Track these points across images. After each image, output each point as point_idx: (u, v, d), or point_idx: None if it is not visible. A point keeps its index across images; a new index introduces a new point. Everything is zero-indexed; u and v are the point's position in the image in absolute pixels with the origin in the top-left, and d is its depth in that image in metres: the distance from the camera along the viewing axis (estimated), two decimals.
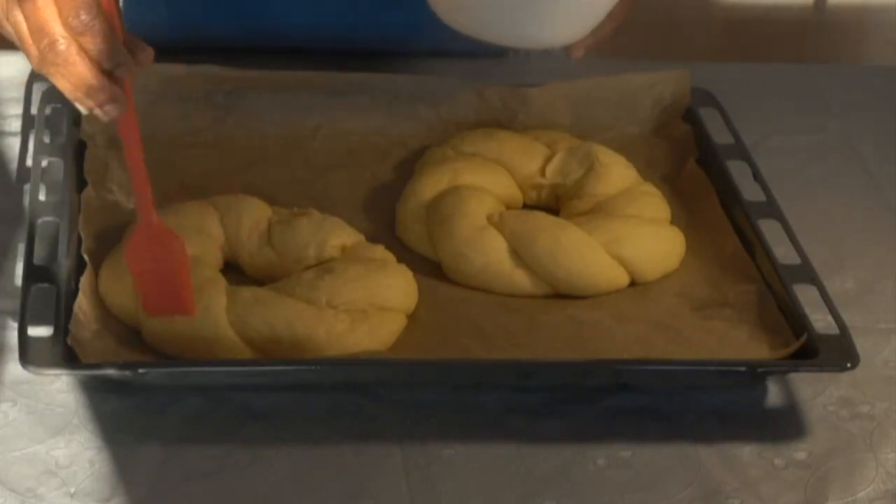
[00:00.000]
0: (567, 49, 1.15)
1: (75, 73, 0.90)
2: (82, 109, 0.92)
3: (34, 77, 1.29)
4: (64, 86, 0.91)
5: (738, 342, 1.03)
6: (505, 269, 1.08)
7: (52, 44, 0.89)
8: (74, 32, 0.89)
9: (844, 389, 1.03)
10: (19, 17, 0.91)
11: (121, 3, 1.29)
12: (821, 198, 1.24)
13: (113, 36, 0.90)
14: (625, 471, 0.95)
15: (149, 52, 0.93)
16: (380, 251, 1.07)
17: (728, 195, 1.16)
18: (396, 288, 1.03)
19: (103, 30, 0.89)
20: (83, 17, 0.89)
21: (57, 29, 0.89)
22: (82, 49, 0.89)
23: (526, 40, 1.10)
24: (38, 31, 0.90)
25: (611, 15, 1.11)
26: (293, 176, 1.19)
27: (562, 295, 1.09)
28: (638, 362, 1.00)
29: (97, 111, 0.92)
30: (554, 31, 1.09)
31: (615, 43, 1.19)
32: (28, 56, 0.92)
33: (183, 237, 1.00)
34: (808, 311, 1.03)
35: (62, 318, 0.96)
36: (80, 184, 1.12)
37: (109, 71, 0.90)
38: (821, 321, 1.02)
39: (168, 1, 1.34)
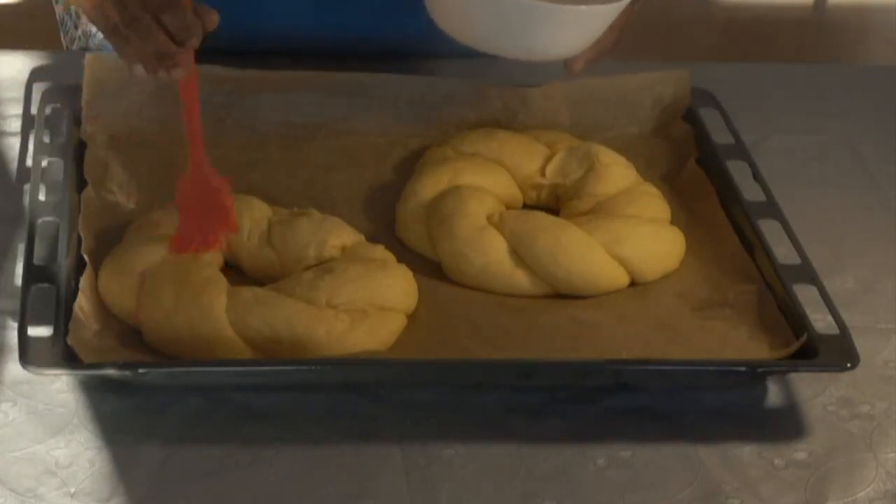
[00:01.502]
0: (567, 62, 1.15)
1: (152, 45, 0.98)
2: (140, 74, 1.01)
3: (34, 77, 1.29)
4: (133, 53, 1.00)
5: (738, 342, 1.03)
6: (505, 269, 1.08)
7: (134, 19, 0.98)
8: (155, 7, 0.97)
9: (844, 389, 1.03)
10: None
11: None
12: (821, 198, 1.24)
13: (185, 9, 0.98)
14: (625, 471, 0.95)
15: (214, 17, 1.00)
16: (380, 251, 1.07)
17: (728, 195, 1.16)
18: (396, 288, 1.03)
19: (180, 5, 0.97)
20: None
21: (138, 2, 0.98)
22: (160, 22, 0.97)
23: (525, 53, 1.10)
24: (120, 3, 0.99)
25: (610, 28, 1.12)
26: (293, 176, 1.19)
27: (562, 295, 1.09)
28: (638, 362, 1.00)
29: (162, 74, 1.00)
30: (554, 44, 1.09)
31: (614, 53, 1.19)
32: (101, 25, 1.02)
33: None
34: (808, 311, 1.03)
35: (62, 318, 0.96)
36: (80, 184, 1.12)
37: (180, 42, 0.98)
38: (821, 321, 1.02)
39: None
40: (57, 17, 1.41)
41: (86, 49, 1.36)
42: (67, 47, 1.40)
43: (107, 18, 1.00)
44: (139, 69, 1.01)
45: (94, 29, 1.35)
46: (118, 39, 1.01)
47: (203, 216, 1.05)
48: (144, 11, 0.97)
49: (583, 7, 1.07)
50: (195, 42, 0.99)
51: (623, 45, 1.18)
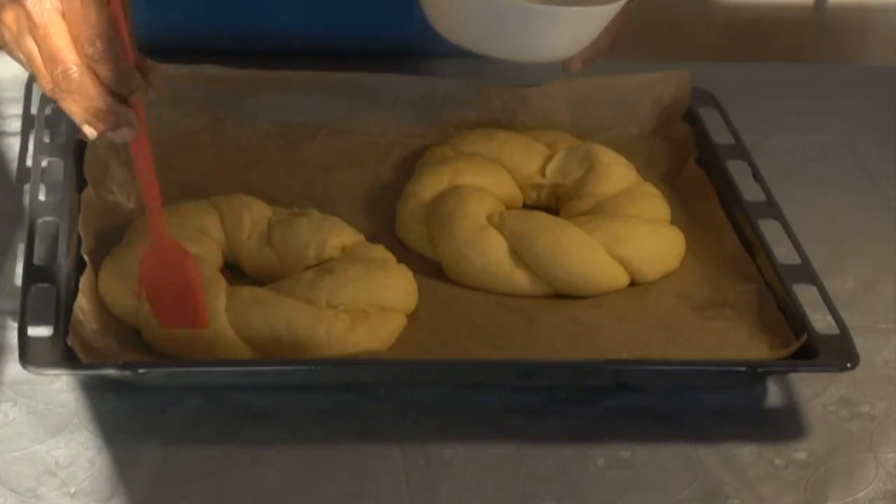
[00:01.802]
0: (564, 63, 1.15)
1: (89, 100, 0.91)
2: (90, 134, 0.93)
3: (34, 78, 1.29)
4: (75, 111, 0.92)
5: (738, 342, 1.03)
6: (505, 269, 1.08)
7: (66, 72, 0.90)
8: (90, 60, 0.89)
9: (844, 389, 1.03)
10: (31, 45, 0.91)
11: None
12: (821, 198, 1.24)
13: (126, 62, 0.90)
14: (625, 471, 0.95)
15: (159, 72, 0.93)
16: (380, 251, 1.07)
17: (728, 195, 1.16)
18: (396, 288, 1.03)
19: (118, 57, 0.90)
20: (98, 45, 0.89)
21: (70, 57, 0.90)
22: (97, 76, 0.90)
23: (522, 54, 1.10)
24: (51, 59, 0.90)
25: (607, 29, 1.12)
26: (293, 176, 1.19)
27: (562, 295, 1.09)
28: (638, 362, 1.00)
29: (109, 135, 0.92)
30: (550, 46, 1.09)
31: (612, 53, 1.19)
32: (40, 82, 0.93)
33: (188, 246, 1.00)
34: (808, 311, 1.03)
35: (62, 318, 0.96)
36: (80, 184, 1.12)
37: (123, 96, 0.91)
38: (821, 321, 1.02)
39: (169, 4, 1.34)
40: None
41: None
42: None
43: (43, 77, 0.92)
44: (87, 130, 0.93)
45: None
46: (57, 96, 0.92)
47: (171, 290, 0.97)
48: (77, 65, 0.90)
49: (579, 8, 1.07)
50: (139, 97, 0.92)
51: (620, 44, 1.18)
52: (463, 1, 1.06)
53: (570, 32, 1.09)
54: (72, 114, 0.92)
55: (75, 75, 0.90)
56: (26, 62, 0.93)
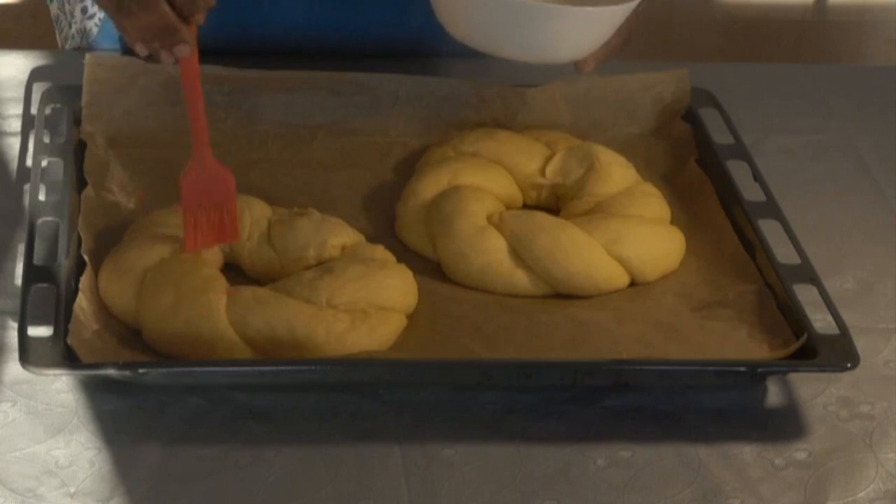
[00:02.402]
0: (577, 63, 1.15)
1: (156, 18, 0.96)
2: (141, 52, 0.99)
3: (34, 77, 1.29)
4: (137, 29, 0.98)
5: (738, 342, 1.03)
6: (505, 269, 1.08)
7: None
8: None
9: (844, 389, 1.03)
10: None
11: None
12: (821, 198, 1.24)
13: None
14: (625, 471, 0.95)
15: None
16: (380, 251, 1.07)
17: (728, 195, 1.16)
18: (396, 288, 1.03)
19: None
20: None
21: None
22: None
23: (536, 55, 1.10)
24: None
25: (619, 29, 1.11)
26: (293, 176, 1.19)
27: (562, 295, 1.09)
28: (638, 362, 1.00)
29: (163, 54, 0.98)
30: (564, 46, 1.09)
31: (623, 53, 1.18)
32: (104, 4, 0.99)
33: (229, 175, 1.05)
34: (808, 311, 1.03)
35: (62, 318, 0.96)
36: (80, 184, 1.12)
37: (184, 16, 0.97)
38: (821, 321, 1.02)
39: None
40: (52, 16, 1.41)
41: (80, 49, 1.36)
42: (62, 46, 1.40)
43: None
44: (140, 48, 0.99)
45: (88, 27, 1.35)
46: (120, 15, 0.99)
47: (209, 210, 1.04)
48: None
49: (593, 8, 1.07)
50: (201, 18, 0.98)
51: (631, 44, 1.18)
52: (475, 2, 1.06)
53: (583, 33, 1.09)
54: (129, 33, 0.99)
55: None
56: None
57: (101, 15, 1.33)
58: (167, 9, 0.96)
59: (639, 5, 1.09)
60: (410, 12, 1.34)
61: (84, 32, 1.35)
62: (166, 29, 0.97)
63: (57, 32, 1.41)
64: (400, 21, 1.34)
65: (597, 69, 1.16)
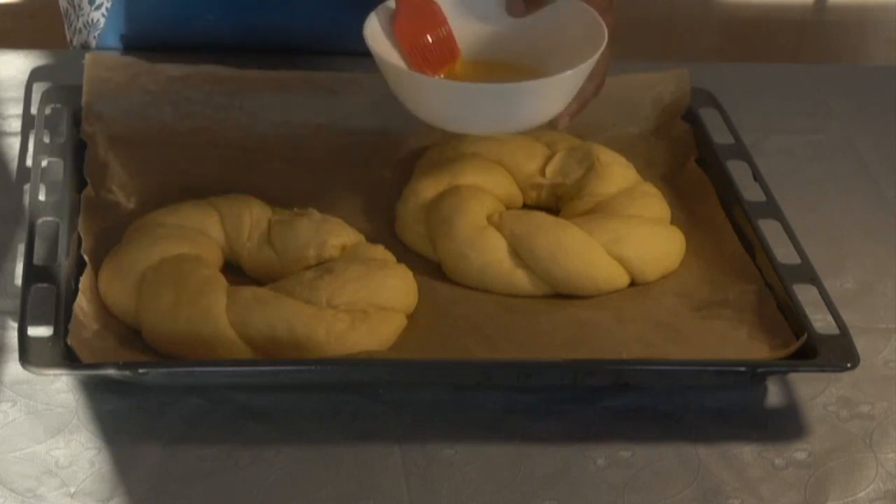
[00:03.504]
0: (552, 122, 1.10)
1: None
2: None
3: (34, 77, 1.29)
4: None
5: (738, 342, 1.03)
6: (505, 269, 1.08)
7: None
8: None
9: (844, 389, 1.03)
10: None
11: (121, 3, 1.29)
12: (821, 198, 1.24)
13: None
14: (625, 471, 0.95)
15: None
16: (380, 251, 1.07)
17: (728, 195, 1.16)
18: (396, 288, 1.03)
19: None
20: None
21: None
22: None
23: (509, 127, 1.09)
24: None
25: (590, 76, 1.08)
26: (293, 176, 1.19)
27: (562, 295, 1.09)
28: (638, 362, 1.00)
29: None
30: (534, 115, 1.07)
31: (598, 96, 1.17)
32: None
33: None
34: (808, 311, 1.03)
35: (62, 318, 0.96)
36: (80, 184, 1.12)
37: None
38: (821, 321, 1.02)
39: (171, 2, 1.34)
40: (61, 9, 1.41)
41: (86, 44, 1.36)
42: (70, 40, 1.40)
43: None
44: None
45: (95, 18, 1.35)
46: None
47: (428, 38, 1.09)
48: None
49: (550, 78, 1.04)
50: None
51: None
52: (439, 93, 1.06)
53: (549, 99, 1.06)
54: None
55: None
56: None
57: (108, 5, 1.34)
58: None
59: (604, 51, 1.06)
60: None
61: (91, 24, 1.35)
62: None
63: (66, 27, 1.41)
64: None
65: (573, 122, 1.13)
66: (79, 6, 1.36)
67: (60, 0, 1.41)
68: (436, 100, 1.06)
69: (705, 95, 1.28)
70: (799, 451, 0.97)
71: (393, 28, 1.08)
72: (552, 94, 1.06)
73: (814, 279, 1.06)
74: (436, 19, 1.10)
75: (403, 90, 1.07)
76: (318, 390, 0.98)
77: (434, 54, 1.09)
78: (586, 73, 1.06)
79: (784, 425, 1.00)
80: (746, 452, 0.97)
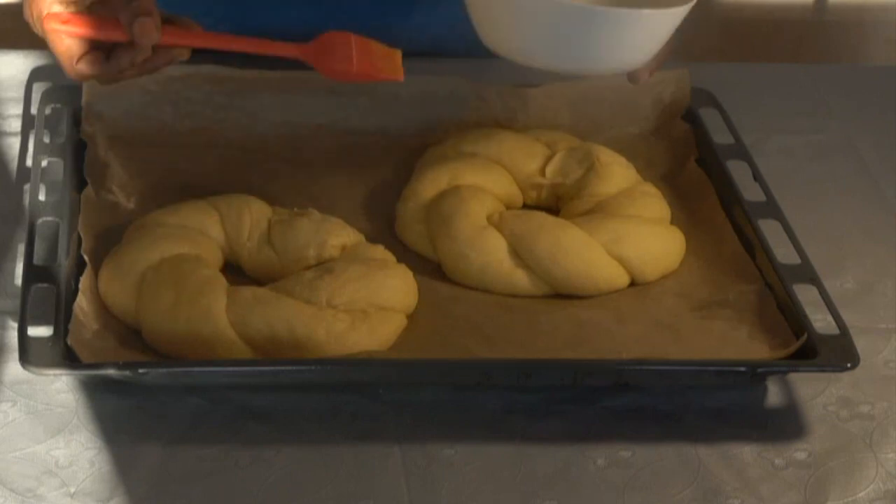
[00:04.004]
0: (631, 74, 1.08)
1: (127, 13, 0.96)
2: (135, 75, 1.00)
3: (34, 77, 1.29)
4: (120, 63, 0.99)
5: (738, 342, 1.03)
6: (505, 269, 1.08)
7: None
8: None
9: (844, 389, 1.02)
10: None
11: None
12: (821, 198, 1.24)
13: None
14: (625, 471, 0.95)
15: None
16: (380, 251, 1.07)
17: (728, 195, 1.16)
18: (396, 288, 1.03)
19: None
20: None
21: None
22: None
23: (588, 66, 1.03)
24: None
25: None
26: (293, 176, 1.19)
27: (562, 295, 1.09)
28: (638, 362, 1.00)
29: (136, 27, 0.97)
30: (624, 54, 1.02)
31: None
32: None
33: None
34: (808, 311, 1.03)
35: (62, 318, 0.96)
36: (80, 184, 1.12)
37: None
38: (821, 321, 1.02)
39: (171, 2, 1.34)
40: None
41: None
42: None
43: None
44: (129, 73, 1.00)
45: None
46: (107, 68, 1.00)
47: (363, 62, 1.06)
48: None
49: (657, 10, 1.00)
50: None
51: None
52: (525, 11, 0.99)
53: (644, 38, 1.02)
54: (118, 69, 0.99)
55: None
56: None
57: None
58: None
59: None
60: (411, 12, 1.34)
61: None
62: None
63: None
64: (401, 21, 1.34)
65: (651, 78, 1.10)
66: None
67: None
68: (527, 25, 0.99)
69: (705, 95, 1.28)
70: (799, 451, 0.97)
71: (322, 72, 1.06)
72: (657, 32, 1.01)
73: (814, 279, 1.06)
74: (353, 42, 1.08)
75: (489, 9, 1.01)
76: (318, 390, 0.98)
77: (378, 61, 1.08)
78: (684, 16, 1.02)
79: (784, 425, 1.00)
80: (746, 452, 0.97)
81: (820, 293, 1.05)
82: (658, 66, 1.10)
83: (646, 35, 1.02)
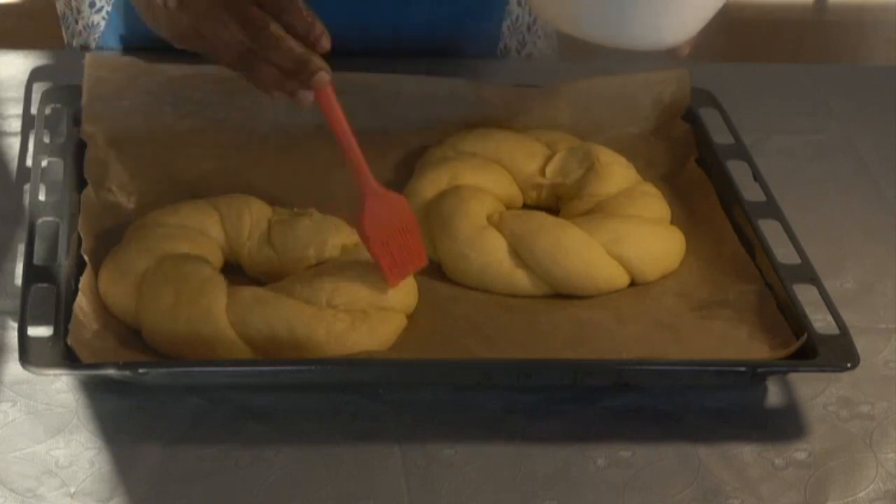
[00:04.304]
0: (673, 50, 1.06)
1: (287, 52, 0.93)
2: (277, 96, 0.96)
3: (34, 77, 1.29)
4: (269, 74, 0.94)
5: (738, 342, 1.03)
6: (505, 269, 1.08)
7: (263, 28, 0.92)
8: (277, 12, 0.92)
9: (844, 389, 1.03)
10: (214, 25, 0.94)
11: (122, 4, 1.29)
12: (821, 198, 1.24)
13: (301, 7, 0.93)
14: (625, 471, 0.95)
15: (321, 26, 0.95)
16: None
17: (728, 195, 1.16)
18: (396, 288, 1.03)
19: (302, 5, 0.92)
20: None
21: (261, 13, 0.92)
22: (284, 25, 0.92)
23: (639, 41, 1.02)
24: (245, 20, 0.92)
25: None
26: (293, 176, 1.19)
27: (562, 295, 1.09)
28: (638, 362, 1.00)
29: (301, 92, 0.95)
30: (677, 26, 1.01)
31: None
32: (224, 58, 0.95)
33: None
34: (808, 311, 1.03)
35: (62, 318, 0.96)
36: (80, 184, 1.12)
37: (314, 40, 0.94)
38: (821, 321, 1.02)
39: None
40: (58, 12, 1.41)
41: (86, 46, 1.36)
42: (69, 43, 1.40)
43: (229, 48, 0.95)
44: (276, 94, 0.97)
45: (95, 21, 1.35)
46: (245, 66, 0.95)
47: (396, 238, 1.02)
48: (271, 21, 0.92)
49: None
50: (326, 42, 0.94)
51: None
52: None
53: (698, 8, 1.00)
54: (264, 78, 0.95)
55: (274, 30, 0.92)
56: (211, 38, 0.95)
57: (108, 8, 1.34)
58: (298, 42, 0.93)
59: None
60: (411, 12, 1.34)
61: (92, 26, 1.35)
62: (304, 62, 0.94)
63: (63, 30, 1.41)
64: (401, 21, 1.34)
65: (691, 53, 1.07)
66: (78, 9, 1.36)
67: (58, 3, 1.40)
68: None
69: (705, 95, 1.28)
70: (799, 451, 0.97)
71: (361, 221, 1.01)
72: (708, 4, 1.00)
73: (814, 279, 1.06)
74: (404, 218, 1.03)
75: None
76: (318, 390, 0.98)
77: (401, 255, 1.02)
78: None
79: (784, 425, 1.00)
80: (746, 452, 0.97)
81: (820, 293, 1.05)
82: (697, 44, 1.07)
83: (698, 7, 1.01)
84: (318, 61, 0.94)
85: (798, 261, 1.08)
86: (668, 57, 1.06)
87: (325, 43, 0.94)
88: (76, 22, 1.37)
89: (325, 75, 0.95)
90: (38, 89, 1.25)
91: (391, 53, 1.32)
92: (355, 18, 1.33)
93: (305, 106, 0.97)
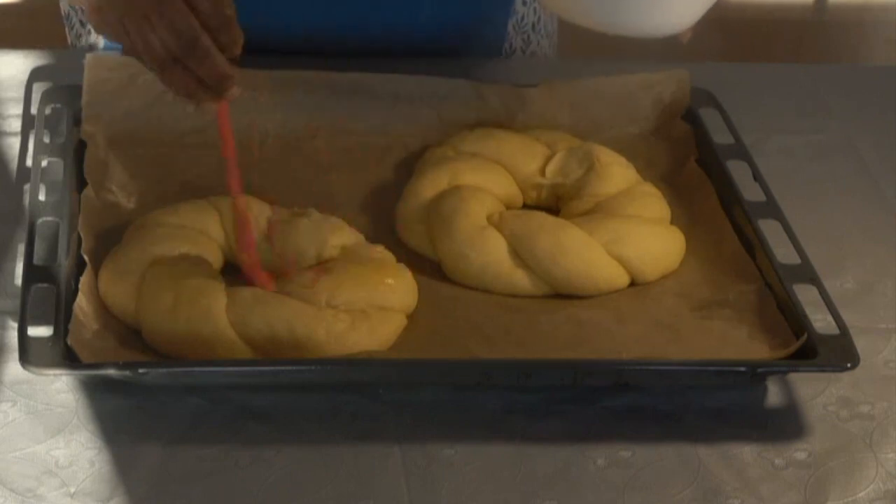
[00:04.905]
0: (675, 36, 1.06)
1: (212, 67, 0.95)
2: (191, 106, 1.00)
3: (34, 77, 1.29)
4: (185, 81, 0.96)
5: (738, 342, 1.03)
6: (505, 269, 1.08)
7: (195, 40, 0.94)
8: (214, 29, 0.94)
9: (844, 389, 1.02)
10: (141, 24, 0.95)
11: None
12: (821, 198, 1.24)
13: (234, 24, 0.95)
14: (625, 471, 0.95)
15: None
16: (380, 251, 1.07)
17: (728, 195, 1.16)
18: (396, 288, 1.03)
19: (234, 19, 0.94)
20: (227, 11, 0.95)
21: (195, 24, 0.94)
22: (214, 42, 0.95)
23: (643, 27, 1.02)
24: (178, 30, 0.94)
25: None
26: (293, 176, 1.19)
27: (562, 295, 1.09)
28: (638, 362, 1.00)
29: (208, 102, 0.98)
30: (682, 12, 1.02)
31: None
32: (150, 59, 0.97)
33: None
34: (808, 311, 1.03)
35: (62, 318, 0.96)
36: (80, 184, 1.12)
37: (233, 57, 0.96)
38: (821, 321, 1.02)
39: None
40: (62, 12, 1.41)
41: (92, 47, 1.36)
42: (73, 44, 1.40)
43: (153, 51, 0.96)
44: (186, 101, 0.99)
45: None
46: (162, 68, 0.97)
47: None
48: (203, 33, 0.94)
49: None
50: (237, 50, 0.97)
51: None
52: None
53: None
54: (183, 86, 0.97)
55: (204, 42, 0.94)
56: (134, 35, 0.96)
57: None
58: (220, 58, 0.96)
59: None
60: (411, 12, 1.34)
61: None
62: (225, 75, 0.97)
63: (67, 29, 1.41)
64: (401, 20, 1.34)
65: (693, 36, 1.07)
66: (81, 10, 1.36)
67: (62, 3, 1.40)
68: None
69: (705, 95, 1.28)
70: (799, 451, 0.97)
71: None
72: None
73: (814, 279, 1.06)
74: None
75: None
76: (318, 390, 0.98)
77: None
78: None
79: (784, 425, 1.00)
80: (746, 452, 0.97)
81: (820, 293, 1.05)
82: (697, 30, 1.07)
83: None
84: (235, 76, 0.98)
85: (798, 261, 1.08)
86: (671, 43, 1.06)
87: (237, 50, 0.97)
88: (81, 24, 1.37)
89: (237, 90, 0.98)
90: (38, 89, 1.25)
91: (400, 54, 1.32)
92: (365, 19, 1.33)
93: (209, 115, 1.01)
